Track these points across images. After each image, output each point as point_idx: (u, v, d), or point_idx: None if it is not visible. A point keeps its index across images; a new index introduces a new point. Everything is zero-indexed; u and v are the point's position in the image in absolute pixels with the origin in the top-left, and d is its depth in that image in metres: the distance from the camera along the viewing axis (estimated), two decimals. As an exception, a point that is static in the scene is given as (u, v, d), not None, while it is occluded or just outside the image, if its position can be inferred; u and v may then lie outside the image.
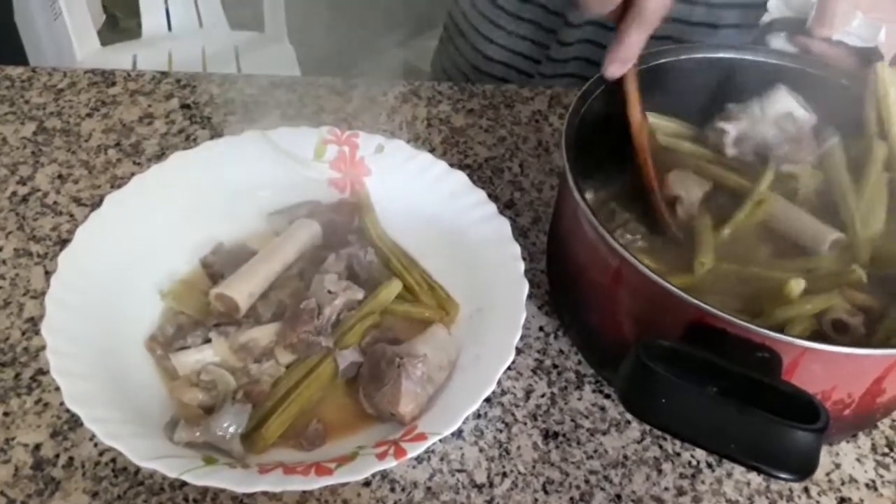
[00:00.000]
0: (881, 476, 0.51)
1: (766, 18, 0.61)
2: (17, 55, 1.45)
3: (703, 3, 0.77)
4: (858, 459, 0.52)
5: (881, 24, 0.58)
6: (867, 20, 0.59)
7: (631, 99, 0.54)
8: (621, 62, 0.52)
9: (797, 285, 0.48)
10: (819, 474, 0.51)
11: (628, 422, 0.52)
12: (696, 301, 0.42)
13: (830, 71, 0.58)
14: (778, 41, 0.60)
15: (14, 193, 0.65)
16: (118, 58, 1.53)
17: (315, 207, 0.61)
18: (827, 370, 0.44)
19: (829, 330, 0.48)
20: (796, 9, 0.60)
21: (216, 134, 0.72)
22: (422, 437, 0.45)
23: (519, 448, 0.51)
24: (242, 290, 0.53)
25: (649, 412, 0.40)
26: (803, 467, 0.38)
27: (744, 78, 0.59)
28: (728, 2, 0.77)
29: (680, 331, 0.44)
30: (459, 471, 0.49)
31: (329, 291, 0.53)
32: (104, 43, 1.57)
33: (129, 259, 0.54)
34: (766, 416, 0.38)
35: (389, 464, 0.43)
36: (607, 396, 0.54)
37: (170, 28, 1.61)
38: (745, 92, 0.58)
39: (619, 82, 0.54)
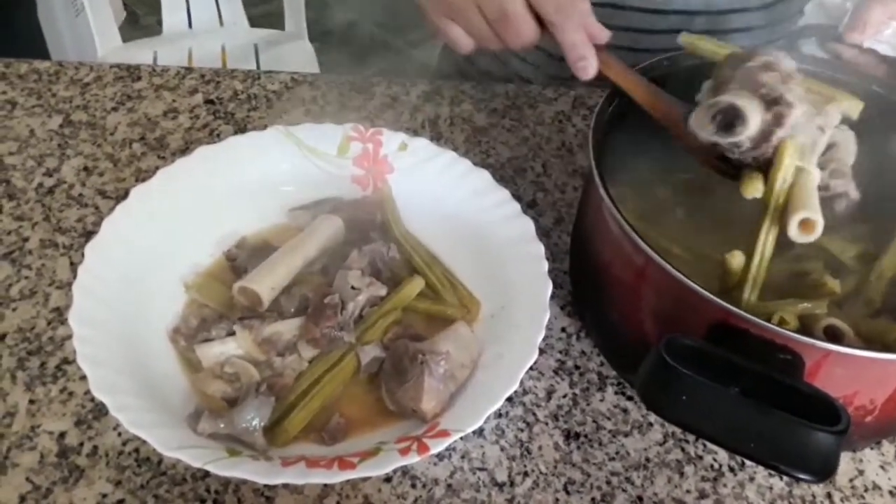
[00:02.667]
0: (905, 484, 0.51)
1: (800, 23, 0.61)
2: (39, 51, 1.46)
3: (676, 12, 0.76)
4: (882, 467, 0.51)
5: None
6: None
7: (623, 84, 0.53)
8: (582, 60, 0.52)
9: (734, 259, 0.47)
10: (842, 480, 0.50)
11: (650, 424, 0.52)
12: (720, 301, 0.42)
13: (860, 77, 0.57)
14: (809, 46, 0.60)
15: (41, 185, 0.66)
16: (139, 54, 1.54)
17: (338, 204, 0.61)
18: (849, 374, 0.44)
19: (822, 337, 0.47)
20: (834, 16, 0.60)
21: (240, 129, 0.72)
22: (444, 433, 0.45)
23: (540, 448, 0.51)
24: (265, 283, 0.53)
25: (669, 409, 0.40)
26: (823, 469, 0.38)
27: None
28: (700, 9, 0.76)
29: (703, 330, 0.44)
30: (480, 469, 0.49)
31: (352, 287, 0.53)
32: (125, 39, 1.58)
33: (153, 251, 0.55)
34: (786, 416, 0.38)
35: (412, 459, 0.43)
36: (629, 398, 0.54)
37: (190, 25, 1.62)
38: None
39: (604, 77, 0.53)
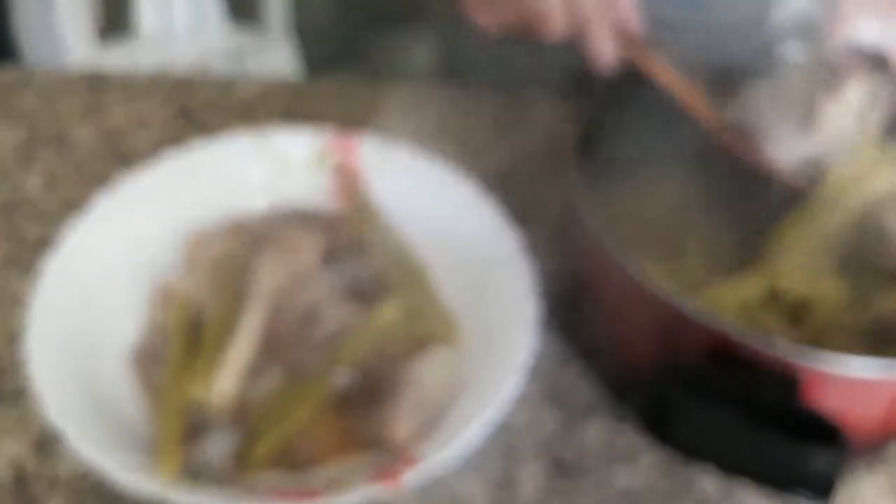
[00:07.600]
0: (902, 511, 0.49)
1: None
2: (13, 52, 1.46)
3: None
4: (878, 492, 0.50)
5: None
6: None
7: (658, 75, 0.55)
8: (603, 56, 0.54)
9: None
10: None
11: (639, 452, 0.51)
12: (713, 322, 0.42)
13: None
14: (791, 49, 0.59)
15: (5, 202, 0.63)
16: (115, 56, 1.53)
17: (307, 217, 0.59)
18: (846, 395, 0.44)
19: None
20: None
21: (212, 137, 0.70)
22: (418, 462, 0.43)
23: (524, 478, 0.49)
24: (230, 384, 0.48)
25: (667, 433, 0.42)
26: (822, 489, 0.40)
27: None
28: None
29: (697, 352, 0.43)
30: (459, 502, 0.47)
31: (325, 309, 0.51)
32: (101, 43, 1.57)
33: (115, 265, 0.53)
34: (784, 437, 0.39)
35: (382, 490, 0.42)
36: (618, 426, 0.52)
37: (169, 30, 1.61)
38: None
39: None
